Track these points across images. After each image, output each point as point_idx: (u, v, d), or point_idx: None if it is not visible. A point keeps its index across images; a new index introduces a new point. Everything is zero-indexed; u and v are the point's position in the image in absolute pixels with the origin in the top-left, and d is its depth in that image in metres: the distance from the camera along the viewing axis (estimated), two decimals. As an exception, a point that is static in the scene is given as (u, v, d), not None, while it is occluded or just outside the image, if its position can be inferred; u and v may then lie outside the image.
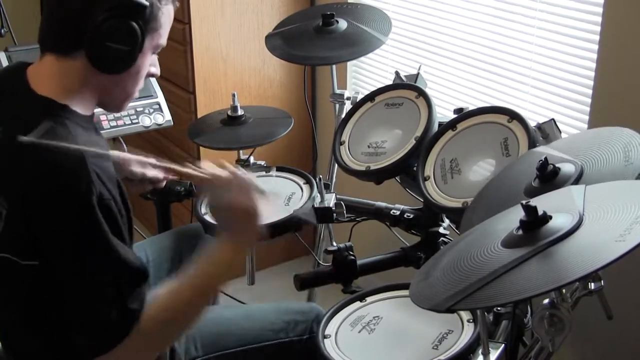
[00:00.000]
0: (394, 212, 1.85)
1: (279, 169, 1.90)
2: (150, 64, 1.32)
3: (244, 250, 1.36)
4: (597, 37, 1.79)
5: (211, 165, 1.32)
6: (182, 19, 2.55)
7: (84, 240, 1.15)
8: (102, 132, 1.99)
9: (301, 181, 1.82)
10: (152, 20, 1.24)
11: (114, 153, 1.79)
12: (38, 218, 1.16)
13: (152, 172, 1.83)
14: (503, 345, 1.23)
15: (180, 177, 1.44)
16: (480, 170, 1.63)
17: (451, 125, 1.71)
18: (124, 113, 2.06)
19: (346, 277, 1.66)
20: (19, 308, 1.26)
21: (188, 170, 1.33)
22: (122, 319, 1.16)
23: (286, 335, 1.54)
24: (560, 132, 1.63)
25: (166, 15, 1.29)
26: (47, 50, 1.25)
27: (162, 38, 1.31)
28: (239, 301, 2.44)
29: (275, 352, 1.53)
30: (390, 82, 1.99)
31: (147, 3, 1.22)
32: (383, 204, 1.89)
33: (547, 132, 1.62)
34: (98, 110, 1.86)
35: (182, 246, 1.83)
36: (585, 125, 1.89)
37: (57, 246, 1.16)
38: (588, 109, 1.87)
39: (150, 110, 2.11)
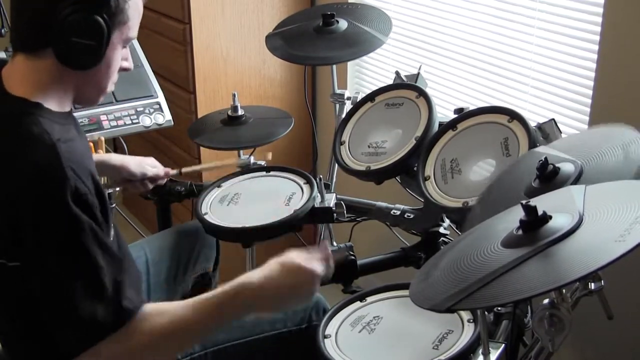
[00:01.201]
0: (394, 212, 1.85)
1: (278, 169, 1.90)
2: (122, 57, 1.31)
3: (282, 300, 1.28)
4: (597, 37, 1.79)
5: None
6: (182, 19, 2.55)
7: (61, 237, 1.15)
8: (102, 132, 2.01)
9: (301, 181, 1.82)
10: (118, 13, 1.24)
11: (109, 156, 1.80)
12: (17, 217, 1.16)
13: (152, 171, 1.84)
14: (503, 345, 1.23)
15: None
16: (481, 170, 1.63)
17: (451, 125, 1.71)
18: (124, 113, 2.07)
19: (346, 277, 1.66)
20: (10, 311, 1.27)
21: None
22: (107, 312, 1.16)
23: (284, 325, 1.53)
24: (560, 132, 1.63)
25: (133, 8, 1.27)
26: (17, 50, 1.25)
27: (132, 30, 1.29)
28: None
29: (274, 342, 1.52)
30: (391, 82, 1.99)
31: None
32: (383, 204, 1.89)
33: (547, 132, 1.62)
34: (98, 110, 1.87)
35: (182, 244, 1.84)
36: (586, 125, 1.89)
37: (36, 244, 1.15)
38: (588, 109, 1.87)
39: (151, 110, 2.11)
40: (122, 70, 1.34)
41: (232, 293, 1.23)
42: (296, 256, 1.28)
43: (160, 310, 1.22)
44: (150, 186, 1.86)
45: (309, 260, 1.28)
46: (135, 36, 1.31)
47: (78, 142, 1.26)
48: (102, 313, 1.16)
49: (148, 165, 1.84)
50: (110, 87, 1.33)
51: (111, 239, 1.23)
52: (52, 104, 1.24)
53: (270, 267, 1.27)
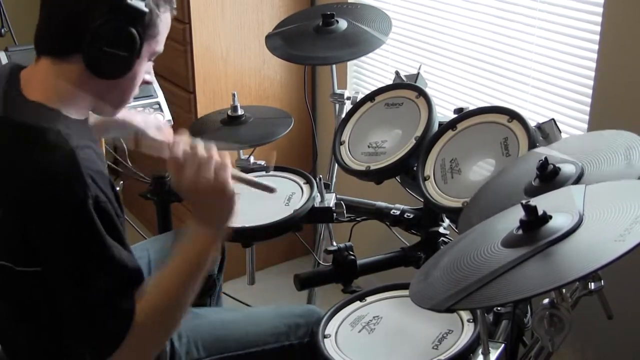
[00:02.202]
0: (394, 212, 1.85)
1: (278, 169, 1.90)
2: (145, 70, 1.31)
3: (218, 231, 1.28)
4: (597, 37, 1.79)
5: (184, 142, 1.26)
6: (182, 19, 2.55)
7: (81, 246, 1.15)
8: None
9: (301, 181, 1.82)
10: (151, 26, 1.24)
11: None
12: (34, 225, 1.15)
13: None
14: (503, 345, 1.23)
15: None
16: (480, 170, 1.63)
17: (451, 125, 1.71)
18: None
19: (346, 277, 1.66)
20: (15, 314, 1.26)
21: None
22: (118, 324, 1.16)
23: (287, 338, 1.53)
24: (560, 132, 1.63)
25: (164, 23, 1.28)
26: (43, 53, 1.24)
27: (159, 45, 1.30)
28: (243, 303, 2.44)
29: (277, 355, 1.53)
30: (391, 82, 1.99)
31: (146, 9, 1.21)
32: (383, 204, 1.89)
33: (547, 132, 1.62)
34: (98, 110, 1.84)
35: None
36: (585, 126, 1.88)
37: (55, 252, 1.15)
38: (588, 109, 1.87)
39: (151, 110, 2.11)
40: (144, 83, 1.33)
41: (183, 245, 1.25)
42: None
43: (140, 297, 1.21)
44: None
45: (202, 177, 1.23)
46: (161, 51, 1.32)
47: (94, 149, 1.25)
48: (112, 321, 1.16)
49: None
50: (131, 100, 1.33)
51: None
52: (71, 111, 1.23)
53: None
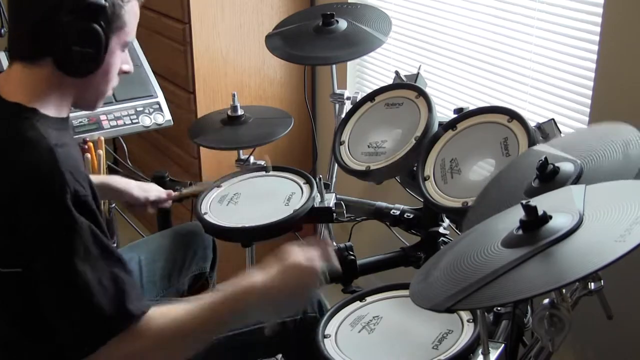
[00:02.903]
0: (394, 212, 1.85)
1: (278, 169, 1.90)
2: (121, 61, 1.33)
3: (285, 301, 1.27)
4: (596, 37, 1.79)
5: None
6: (182, 19, 2.55)
7: (62, 239, 1.15)
8: (102, 131, 2.01)
9: (301, 181, 1.82)
10: (115, 19, 1.25)
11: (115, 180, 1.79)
12: (15, 222, 1.15)
13: (154, 195, 1.83)
14: (503, 345, 1.23)
15: None
16: (480, 170, 1.63)
17: (451, 125, 1.71)
18: (124, 113, 2.07)
19: (346, 277, 1.65)
20: (4, 315, 1.26)
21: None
22: (111, 314, 1.16)
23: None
24: (560, 132, 1.63)
25: (130, 13, 1.29)
26: (15, 59, 1.26)
27: (129, 35, 1.31)
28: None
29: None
30: (391, 82, 1.99)
31: (106, 3, 1.22)
32: (383, 204, 1.89)
33: (547, 132, 1.62)
34: (97, 110, 1.87)
35: (177, 245, 1.84)
36: (585, 126, 1.88)
37: (37, 248, 1.15)
38: (588, 109, 1.87)
39: (150, 110, 2.11)
40: (123, 73, 1.35)
41: (235, 296, 1.23)
42: (297, 254, 1.27)
43: (165, 313, 1.21)
44: (153, 210, 1.86)
45: (310, 259, 1.27)
46: (133, 39, 1.33)
47: (73, 147, 1.27)
48: (107, 314, 1.16)
49: (151, 190, 1.84)
50: (110, 91, 1.34)
51: (113, 242, 1.23)
52: (49, 110, 1.25)
53: (272, 267, 1.27)
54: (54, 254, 1.15)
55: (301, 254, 1.28)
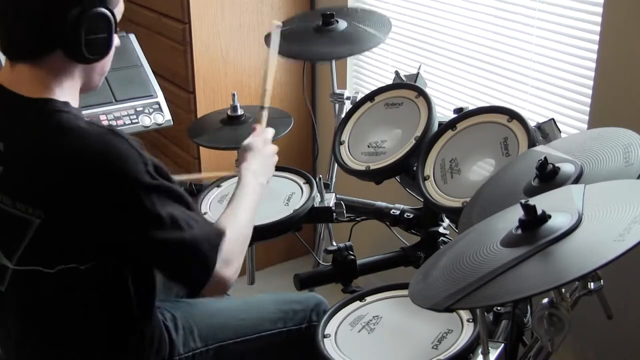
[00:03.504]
0: (393, 212, 1.85)
1: (278, 169, 1.89)
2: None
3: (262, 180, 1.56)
4: (597, 37, 1.79)
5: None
6: (182, 19, 2.55)
7: (162, 206, 1.21)
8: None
9: (301, 181, 1.82)
10: None
11: None
12: (99, 213, 1.18)
13: None
14: (503, 344, 1.23)
15: None
16: (480, 170, 1.63)
17: (451, 125, 1.71)
18: (123, 113, 2.06)
19: (346, 277, 1.66)
20: (58, 315, 1.29)
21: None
22: (213, 247, 1.28)
23: (284, 325, 1.55)
24: (560, 132, 1.63)
25: None
26: (18, 60, 1.24)
27: (122, 6, 1.32)
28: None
29: (274, 341, 1.54)
30: (390, 82, 1.99)
31: None
32: (383, 204, 1.89)
33: (546, 132, 1.62)
34: (97, 110, 1.88)
35: None
36: (585, 126, 1.89)
37: (138, 222, 1.21)
38: (588, 109, 1.87)
39: (150, 110, 2.11)
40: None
41: (243, 187, 1.49)
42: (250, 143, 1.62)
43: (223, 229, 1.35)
44: None
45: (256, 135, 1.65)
46: (123, 7, 1.33)
47: None
48: (205, 250, 1.27)
49: None
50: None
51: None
52: (73, 101, 1.26)
53: (244, 159, 1.58)
54: (155, 217, 1.20)
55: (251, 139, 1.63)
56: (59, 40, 1.20)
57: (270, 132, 1.71)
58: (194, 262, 1.27)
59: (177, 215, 1.23)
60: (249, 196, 1.48)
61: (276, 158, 1.67)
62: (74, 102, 1.26)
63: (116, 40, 1.33)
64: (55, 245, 1.21)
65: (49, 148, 1.18)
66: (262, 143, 1.64)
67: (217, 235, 1.31)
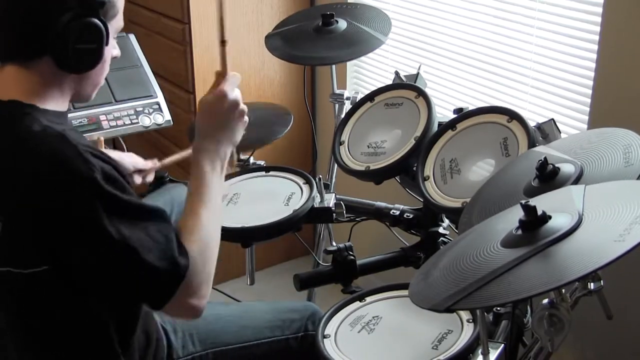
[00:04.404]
0: (393, 212, 1.85)
1: (278, 169, 1.90)
2: (112, 47, 1.30)
3: (221, 144, 1.38)
4: (597, 37, 1.79)
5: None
6: (182, 19, 2.55)
7: (104, 216, 1.13)
8: (101, 132, 2.01)
9: (301, 181, 1.82)
10: (110, 9, 1.24)
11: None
12: (46, 216, 1.14)
13: (142, 164, 1.79)
14: (503, 345, 1.23)
15: None
16: (480, 170, 1.63)
17: (451, 125, 1.71)
18: (123, 113, 2.06)
19: (346, 277, 1.65)
20: (36, 318, 1.25)
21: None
22: (165, 269, 1.17)
23: (282, 333, 1.55)
24: (560, 132, 1.63)
25: None
26: (7, 62, 1.23)
27: (121, 20, 1.29)
28: (235, 299, 2.44)
29: (271, 349, 1.54)
30: (390, 82, 1.99)
31: None
32: (383, 204, 1.89)
33: (546, 132, 1.62)
34: (97, 110, 1.87)
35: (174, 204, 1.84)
36: (585, 126, 1.89)
37: (82, 231, 1.14)
38: (588, 109, 1.87)
39: (150, 110, 2.11)
40: (112, 58, 1.32)
41: (198, 168, 1.32)
42: (205, 97, 1.42)
43: (191, 234, 1.25)
44: (139, 180, 1.79)
45: (217, 91, 1.40)
46: (122, 23, 1.31)
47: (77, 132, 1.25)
48: (162, 270, 1.17)
49: (135, 158, 1.79)
50: (103, 81, 1.33)
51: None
52: (48, 105, 1.23)
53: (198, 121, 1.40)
54: (100, 231, 1.13)
55: (209, 95, 1.41)
56: (48, 46, 1.19)
57: (234, 80, 1.43)
58: (145, 290, 1.19)
59: (126, 232, 1.14)
60: (207, 194, 1.30)
61: (244, 119, 1.41)
62: (56, 107, 1.24)
63: (115, 51, 1.32)
64: (17, 248, 1.19)
65: (3, 152, 1.17)
66: (220, 101, 1.39)
67: (178, 264, 1.19)
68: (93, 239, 1.14)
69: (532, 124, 1.61)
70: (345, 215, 1.78)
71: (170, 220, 1.23)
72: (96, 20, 1.20)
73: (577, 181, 1.26)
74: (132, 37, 2.18)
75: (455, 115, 1.74)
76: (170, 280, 1.18)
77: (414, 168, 1.72)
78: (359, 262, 1.65)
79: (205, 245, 1.25)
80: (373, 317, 1.42)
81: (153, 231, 1.18)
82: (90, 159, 1.14)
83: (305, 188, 1.78)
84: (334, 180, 2.28)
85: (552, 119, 1.63)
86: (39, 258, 1.16)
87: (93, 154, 1.16)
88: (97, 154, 1.17)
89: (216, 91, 1.39)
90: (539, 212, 1.06)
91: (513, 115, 1.62)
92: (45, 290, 1.20)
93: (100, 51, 1.23)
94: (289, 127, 2.04)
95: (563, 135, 1.67)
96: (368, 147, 1.85)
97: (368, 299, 1.49)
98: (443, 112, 2.12)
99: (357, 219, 1.95)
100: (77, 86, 1.27)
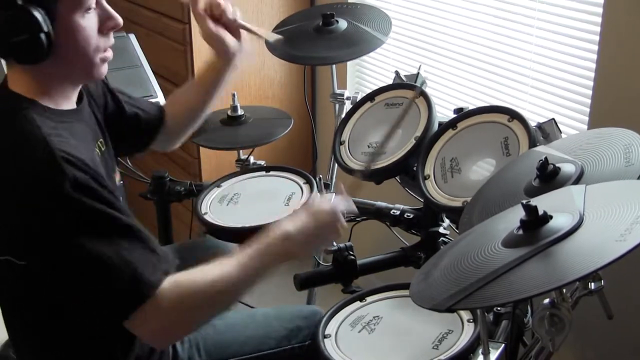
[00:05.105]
0: (394, 212, 1.84)
1: (278, 169, 1.90)
2: (97, 21, 1.23)
3: (307, 249, 1.38)
4: (597, 37, 1.79)
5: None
6: (182, 19, 2.54)
7: (70, 226, 1.14)
8: (101, 132, 2.00)
9: (301, 181, 1.82)
10: None
11: None
12: (22, 216, 1.15)
13: None
14: (503, 345, 1.23)
15: None
16: (481, 169, 1.63)
17: (451, 124, 1.71)
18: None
19: (346, 277, 1.65)
20: (28, 308, 1.27)
21: None
22: (126, 289, 1.15)
23: (288, 342, 1.54)
24: (560, 132, 1.63)
25: None
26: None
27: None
28: (244, 303, 2.44)
29: (278, 358, 1.53)
30: (390, 82, 1.99)
31: None
32: (383, 204, 1.88)
33: (547, 131, 1.62)
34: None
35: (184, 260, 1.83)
36: (585, 126, 1.89)
37: (46, 239, 1.15)
38: (588, 109, 1.87)
39: (155, 101, 2.11)
40: (111, 29, 1.26)
41: (268, 247, 1.28)
42: (321, 201, 1.38)
43: (187, 281, 1.21)
44: (213, 27, 1.69)
45: (332, 203, 1.37)
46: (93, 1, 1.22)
47: (75, 136, 1.24)
48: (124, 288, 1.16)
49: None
50: (103, 54, 1.26)
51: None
52: (48, 101, 1.24)
53: (300, 214, 1.35)
54: (63, 242, 1.14)
55: (325, 200, 1.39)
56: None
57: (342, 202, 1.40)
58: (105, 302, 1.18)
59: (87, 243, 1.13)
60: (259, 256, 1.27)
61: (334, 236, 1.39)
62: (54, 104, 1.24)
63: (111, 22, 1.24)
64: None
65: None
66: (333, 216, 1.36)
67: (144, 284, 1.16)
68: (49, 245, 1.15)
69: (532, 123, 1.61)
70: (345, 215, 1.78)
71: (147, 237, 1.20)
72: (16, 11, 1.14)
73: (577, 181, 1.26)
74: (132, 37, 2.18)
75: (455, 115, 1.73)
76: (129, 296, 1.16)
77: (414, 168, 1.72)
78: (359, 262, 1.65)
79: (190, 296, 1.21)
80: (373, 317, 1.42)
81: (123, 245, 1.16)
82: (64, 166, 1.12)
83: (306, 188, 1.78)
84: (334, 180, 2.28)
85: (553, 119, 1.63)
86: (7, 248, 1.19)
87: (70, 161, 1.14)
88: (76, 162, 1.14)
89: (334, 204, 1.38)
90: (540, 212, 1.06)
91: (514, 115, 1.62)
92: (36, 286, 1.21)
93: (40, 40, 1.15)
94: (288, 129, 2.05)
95: (563, 135, 1.67)
96: (368, 147, 1.85)
97: (368, 299, 1.49)
98: (443, 112, 2.12)
99: (357, 219, 1.95)
100: (62, 73, 1.24)
